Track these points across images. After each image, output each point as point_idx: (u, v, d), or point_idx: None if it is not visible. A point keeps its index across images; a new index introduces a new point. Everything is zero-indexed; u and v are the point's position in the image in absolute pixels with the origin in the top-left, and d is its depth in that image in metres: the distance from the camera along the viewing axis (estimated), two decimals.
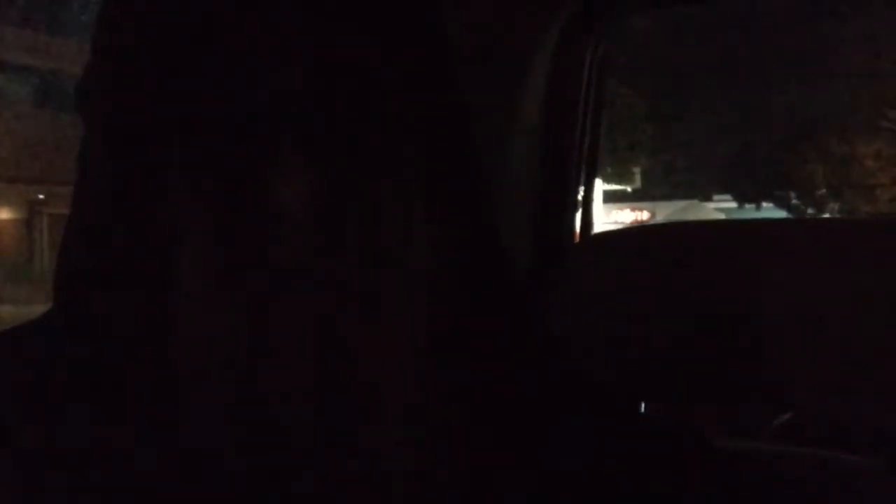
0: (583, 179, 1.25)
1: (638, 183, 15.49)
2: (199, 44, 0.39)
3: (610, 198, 14.70)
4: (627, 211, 15.55)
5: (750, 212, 14.98)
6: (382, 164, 0.40)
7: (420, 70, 0.43)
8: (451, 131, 0.44)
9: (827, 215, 12.75)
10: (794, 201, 14.52)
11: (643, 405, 0.83)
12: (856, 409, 0.83)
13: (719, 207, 15.27)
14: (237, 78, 0.38)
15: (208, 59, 0.39)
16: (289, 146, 0.38)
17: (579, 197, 1.27)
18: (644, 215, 15.18)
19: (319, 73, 0.39)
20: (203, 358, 0.38)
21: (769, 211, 14.68)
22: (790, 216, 12.99)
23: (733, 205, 15.52)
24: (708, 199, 15.93)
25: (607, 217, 14.25)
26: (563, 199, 1.18)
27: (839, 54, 12.84)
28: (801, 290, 0.88)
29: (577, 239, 1.24)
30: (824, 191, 13.92)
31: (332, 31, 0.40)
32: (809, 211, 13.96)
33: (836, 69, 13.02)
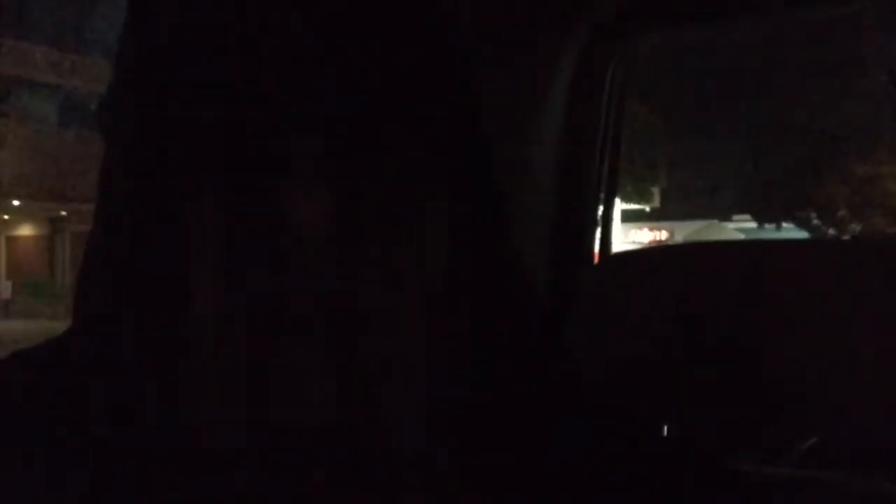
0: (602, 198, 1.24)
1: (657, 202, 15.45)
2: (217, 60, 0.39)
3: (628, 217, 14.66)
4: (646, 230, 15.50)
5: (770, 232, 14.88)
6: (399, 180, 0.40)
7: (438, 86, 0.43)
8: (470, 150, 0.44)
9: (848, 237, 12.65)
10: (815, 221, 14.42)
11: (665, 427, 0.82)
12: (879, 433, 0.82)
13: (739, 227, 15.19)
14: (254, 95, 0.39)
15: (225, 76, 0.39)
16: (307, 164, 0.39)
17: (598, 215, 1.26)
18: (663, 235, 15.12)
19: (336, 89, 0.39)
20: (218, 378, 0.39)
21: (789, 231, 14.58)
22: (811, 237, 12.89)
23: (753, 225, 15.42)
24: (727, 219, 15.85)
25: (625, 237, 14.21)
26: (582, 218, 1.17)
27: (860, 73, 12.80)
28: (824, 311, 0.87)
29: (596, 258, 1.23)
30: (845, 211, 13.82)
31: (351, 50, 0.40)
32: (830, 231, 13.85)
33: (856, 88, 12.96)
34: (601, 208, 1.25)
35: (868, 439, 0.83)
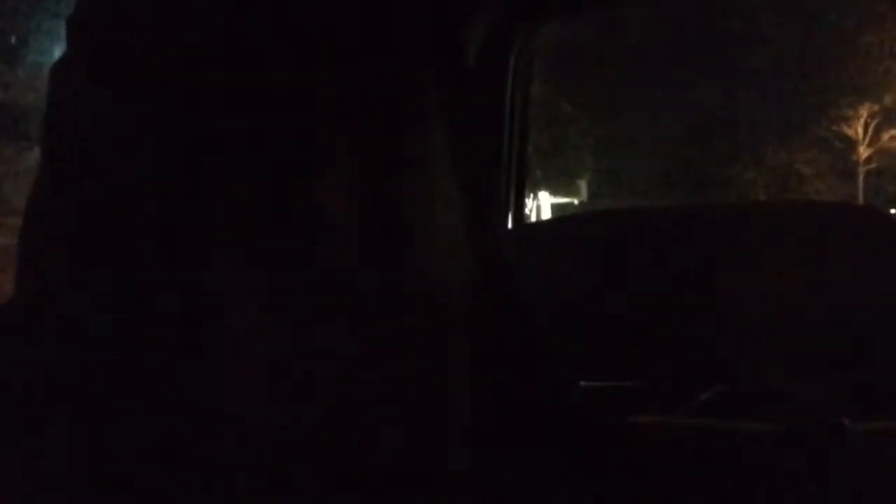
0: (513, 180, 1.28)
1: (584, 195, 15.67)
2: (244, 47, 0.40)
3: (558, 210, 14.85)
4: None
5: None
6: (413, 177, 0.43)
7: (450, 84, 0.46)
8: (461, 147, 0.48)
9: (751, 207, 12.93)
10: None
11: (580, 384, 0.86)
12: (769, 381, 0.87)
13: None
14: (284, 85, 0.39)
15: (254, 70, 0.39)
16: (333, 149, 0.40)
17: (511, 198, 1.30)
18: None
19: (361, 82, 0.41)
20: (250, 362, 0.38)
21: None
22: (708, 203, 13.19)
23: None
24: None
25: None
26: (491, 201, 1.21)
27: (766, 56, 13.13)
28: (724, 271, 0.92)
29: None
30: (764, 198, 14.23)
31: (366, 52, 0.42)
32: None
33: (764, 71, 13.30)
34: (514, 190, 1.29)
35: (757, 385, 0.88)
